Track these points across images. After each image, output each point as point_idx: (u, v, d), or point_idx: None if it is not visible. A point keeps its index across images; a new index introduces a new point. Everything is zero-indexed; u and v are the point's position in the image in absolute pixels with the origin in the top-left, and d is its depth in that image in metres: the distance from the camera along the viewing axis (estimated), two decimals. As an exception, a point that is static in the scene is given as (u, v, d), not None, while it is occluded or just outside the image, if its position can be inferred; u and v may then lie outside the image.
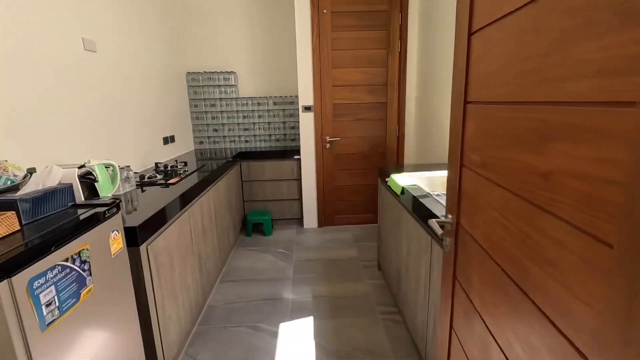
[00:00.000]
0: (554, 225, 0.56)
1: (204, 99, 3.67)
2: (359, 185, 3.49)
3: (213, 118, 3.73)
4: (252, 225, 3.37)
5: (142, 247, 1.42)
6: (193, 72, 3.59)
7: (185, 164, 2.67)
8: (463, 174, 0.96)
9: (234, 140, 3.81)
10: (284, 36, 3.62)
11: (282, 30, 3.61)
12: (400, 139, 3.36)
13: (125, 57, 2.41)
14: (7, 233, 0.96)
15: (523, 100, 0.64)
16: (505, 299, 0.73)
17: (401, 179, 1.97)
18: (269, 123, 3.77)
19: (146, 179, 2.17)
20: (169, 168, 2.47)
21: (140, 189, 1.98)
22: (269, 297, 2.32)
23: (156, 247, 1.53)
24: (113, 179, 1.69)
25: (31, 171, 1.31)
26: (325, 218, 3.55)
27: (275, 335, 1.95)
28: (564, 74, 0.53)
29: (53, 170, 1.22)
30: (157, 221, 1.56)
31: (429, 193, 1.69)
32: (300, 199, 3.53)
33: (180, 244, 1.81)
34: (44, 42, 1.66)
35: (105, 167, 1.64)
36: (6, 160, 1.25)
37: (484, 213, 0.83)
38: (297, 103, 3.67)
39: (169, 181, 2.13)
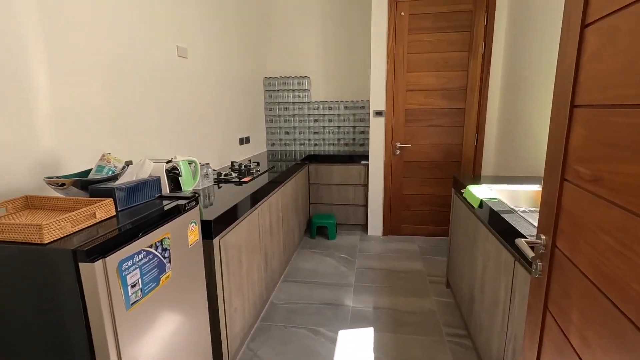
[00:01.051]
0: None
1: (278, 102, 3.81)
2: (428, 195, 3.31)
3: (285, 121, 3.86)
4: (316, 227, 3.39)
5: (215, 240, 1.50)
6: (270, 77, 3.76)
7: (258, 164, 2.79)
8: (564, 189, 0.82)
9: (304, 143, 3.89)
10: (358, 41, 3.60)
11: (356, 35, 3.60)
12: (479, 147, 3.11)
13: (211, 64, 2.60)
14: (105, 217, 1.08)
15: (661, 102, 0.52)
16: (620, 345, 0.60)
17: (479, 191, 1.81)
18: (338, 127, 3.78)
19: (222, 177, 2.31)
20: (243, 167, 2.60)
21: (217, 186, 2.11)
22: (329, 302, 2.30)
23: (227, 242, 1.61)
24: (194, 174, 1.82)
25: (128, 163, 1.46)
26: (391, 227, 3.43)
27: (334, 341, 1.92)
28: None
29: (145, 164, 1.34)
30: (230, 217, 1.63)
31: (512, 208, 1.52)
32: (365, 205, 3.47)
33: (249, 240, 1.88)
34: (145, 50, 1.86)
35: (189, 163, 1.77)
36: (109, 153, 1.41)
37: (591, 237, 0.70)
38: (368, 108, 3.62)
39: (242, 179, 2.23)
